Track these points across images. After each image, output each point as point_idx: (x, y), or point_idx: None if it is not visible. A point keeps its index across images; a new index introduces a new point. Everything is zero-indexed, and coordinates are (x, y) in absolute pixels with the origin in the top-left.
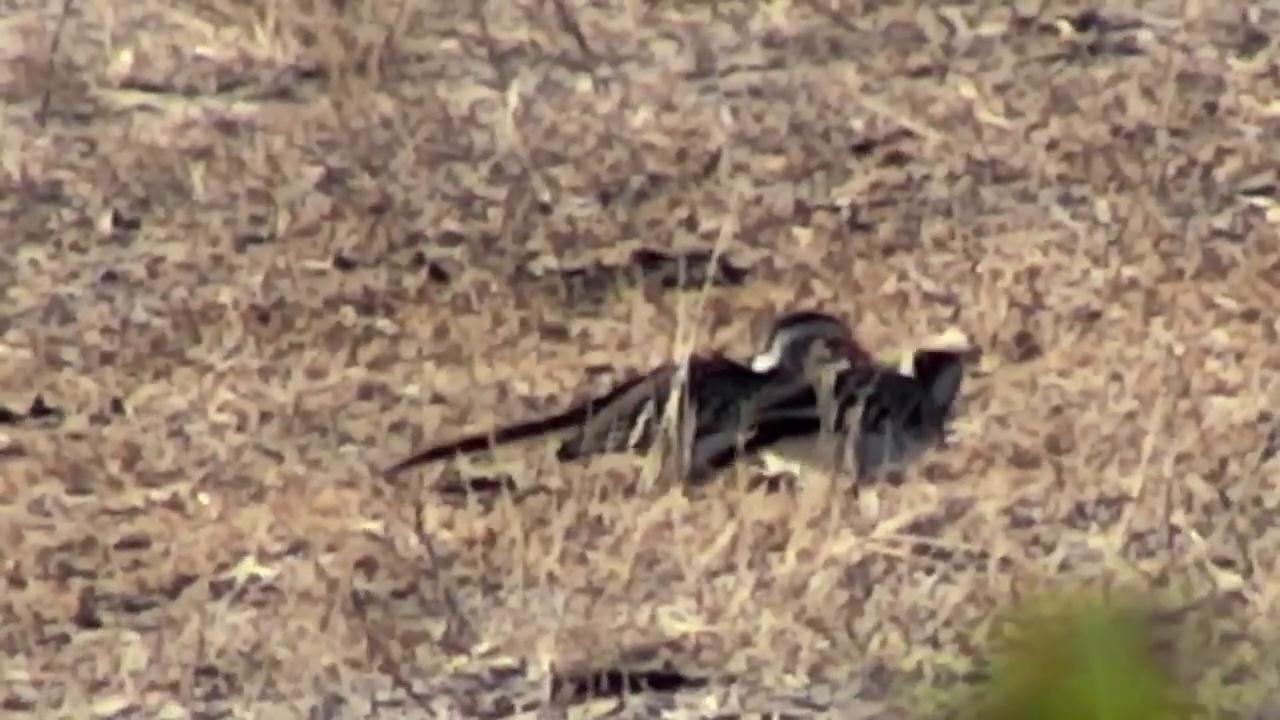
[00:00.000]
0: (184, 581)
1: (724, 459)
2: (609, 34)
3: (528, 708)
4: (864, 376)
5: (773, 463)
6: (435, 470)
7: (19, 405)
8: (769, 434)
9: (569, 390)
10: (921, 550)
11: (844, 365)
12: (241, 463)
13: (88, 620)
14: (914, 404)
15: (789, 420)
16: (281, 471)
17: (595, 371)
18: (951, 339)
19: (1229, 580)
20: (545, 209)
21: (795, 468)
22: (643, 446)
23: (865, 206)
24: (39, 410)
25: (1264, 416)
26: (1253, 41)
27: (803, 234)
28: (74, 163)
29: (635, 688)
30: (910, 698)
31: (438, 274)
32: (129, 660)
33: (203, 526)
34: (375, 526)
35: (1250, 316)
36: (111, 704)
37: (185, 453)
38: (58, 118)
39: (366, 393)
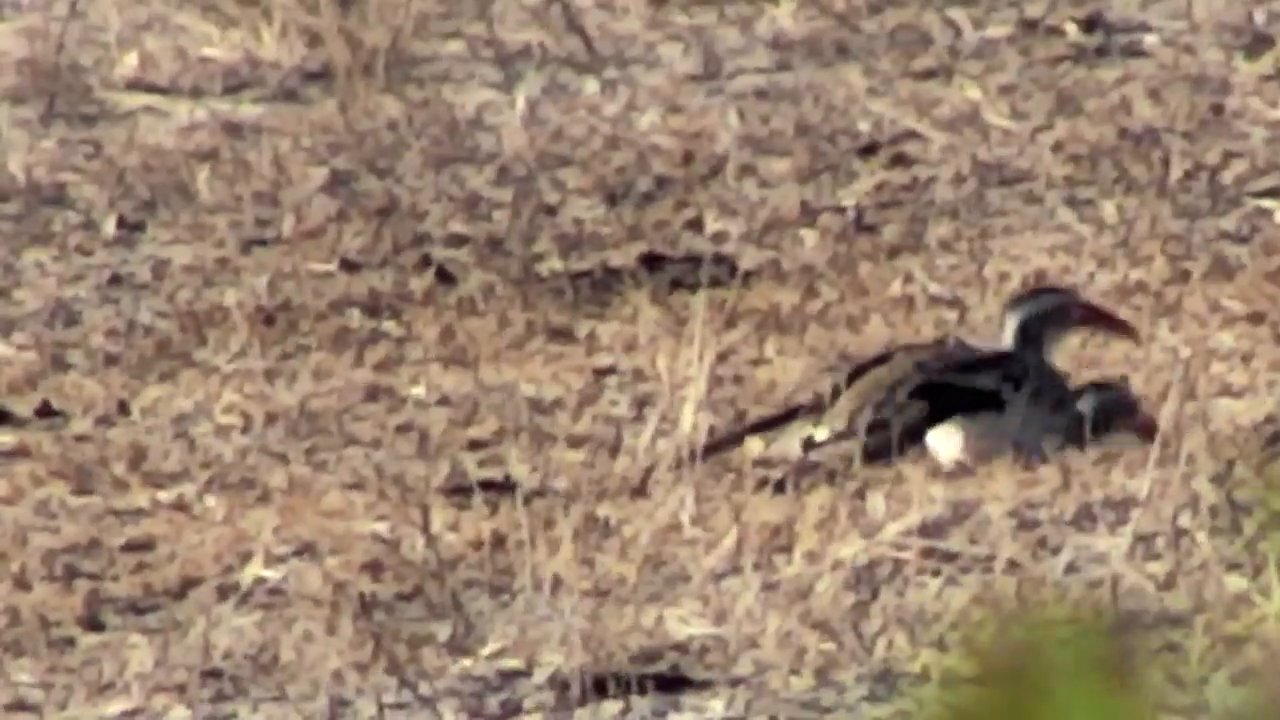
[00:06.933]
0: (190, 584)
1: (883, 443)
2: (615, 36)
3: (534, 710)
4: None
5: (935, 439)
6: (441, 473)
7: (24, 407)
8: (942, 408)
9: (575, 392)
10: (928, 553)
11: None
12: (247, 465)
13: (93, 623)
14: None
15: (962, 393)
16: (287, 474)
17: (602, 373)
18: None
19: (1236, 583)
20: (551, 211)
21: (958, 446)
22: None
23: (871, 208)
24: (44, 412)
25: (1270, 418)
26: (1259, 44)
27: (809, 235)
28: (79, 165)
29: (642, 690)
30: (917, 700)
31: (444, 276)
32: (135, 663)
33: (208, 529)
34: (381, 529)
35: (1257, 319)
36: (117, 706)
37: (191, 455)
38: (63, 120)
39: (372, 395)
